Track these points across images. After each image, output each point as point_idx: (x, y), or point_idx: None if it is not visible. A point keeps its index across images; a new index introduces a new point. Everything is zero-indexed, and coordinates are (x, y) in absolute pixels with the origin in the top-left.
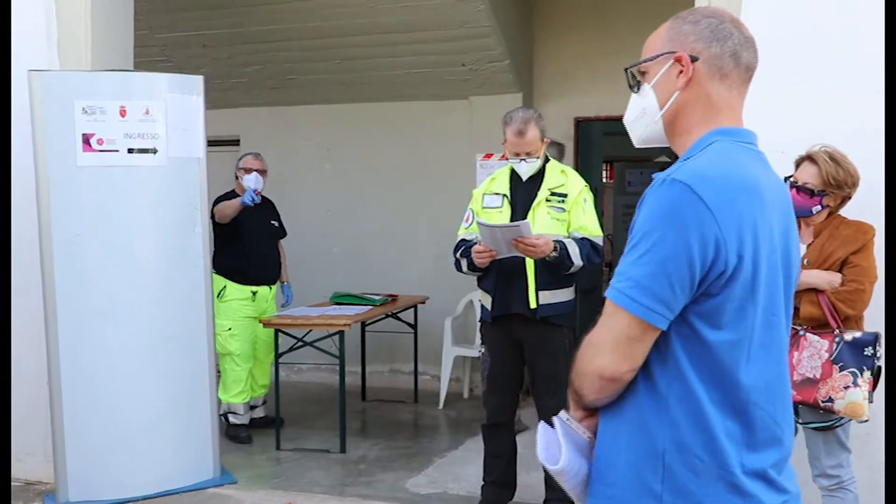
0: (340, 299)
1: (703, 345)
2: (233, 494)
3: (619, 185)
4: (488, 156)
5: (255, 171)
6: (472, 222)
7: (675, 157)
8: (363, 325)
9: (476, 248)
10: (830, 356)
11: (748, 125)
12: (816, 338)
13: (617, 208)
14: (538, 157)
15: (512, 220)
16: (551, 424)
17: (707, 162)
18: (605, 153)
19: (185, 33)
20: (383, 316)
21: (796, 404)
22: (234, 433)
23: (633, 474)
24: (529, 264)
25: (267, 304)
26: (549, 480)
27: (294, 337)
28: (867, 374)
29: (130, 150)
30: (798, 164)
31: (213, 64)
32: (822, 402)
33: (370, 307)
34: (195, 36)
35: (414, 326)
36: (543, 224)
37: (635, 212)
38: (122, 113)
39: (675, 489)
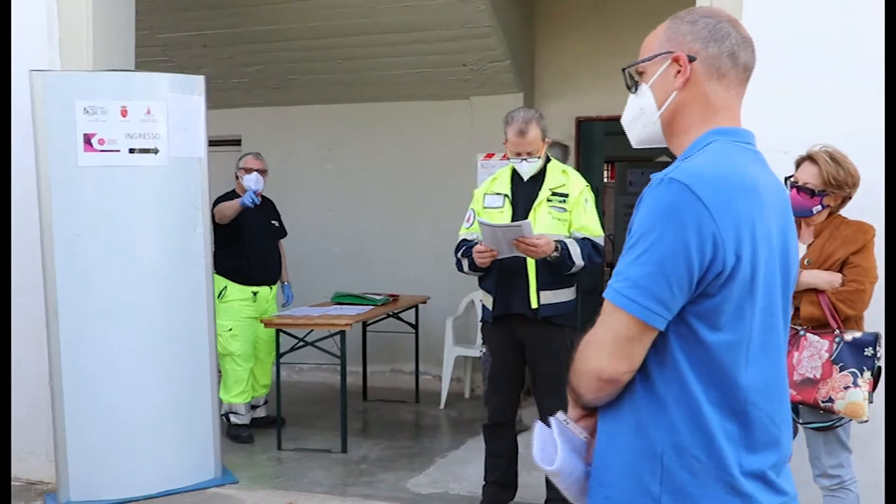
0: (341, 299)
1: (702, 345)
2: (234, 494)
3: (620, 185)
4: (489, 156)
5: (256, 171)
6: (474, 222)
7: (675, 157)
8: (364, 324)
9: (477, 247)
10: (830, 356)
11: (748, 125)
12: (816, 338)
13: (618, 208)
14: (539, 157)
15: (513, 220)
16: (548, 425)
17: (705, 161)
18: (607, 153)
19: (187, 33)
20: (384, 316)
21: (796, 404)
22: (235, 433)
23: (630, 475)
24: (530, 264)
25: (268, 304)
26: (550, 481)
27: (295, 337)
28: (867, 374)
29: (132, 150)
30: (798, 164)
31: (215, 64)
32: (822, 402)
33: (371, 307)
34: (196, 36)
35: (415, 326)
36: (544, 224)
37: (633, 212)
38: (124, 113)
39: (674, 490)
